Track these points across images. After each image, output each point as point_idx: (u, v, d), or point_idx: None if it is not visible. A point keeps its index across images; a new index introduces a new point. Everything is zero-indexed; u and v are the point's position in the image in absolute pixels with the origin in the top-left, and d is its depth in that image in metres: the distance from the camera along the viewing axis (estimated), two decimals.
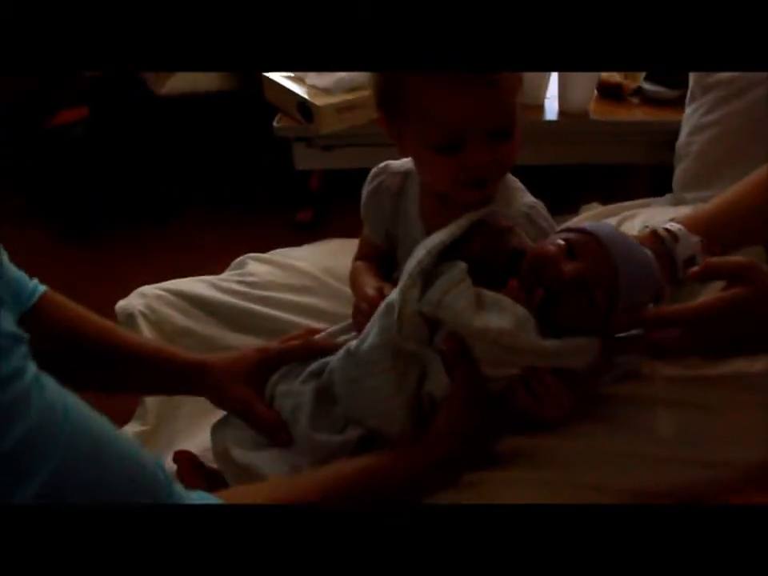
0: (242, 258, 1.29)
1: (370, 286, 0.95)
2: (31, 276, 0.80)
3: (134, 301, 1.12)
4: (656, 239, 0.90)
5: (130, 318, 1.09)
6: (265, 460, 0.81)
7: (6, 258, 0.72)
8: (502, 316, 0.73)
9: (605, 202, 1.34)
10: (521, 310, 0.74)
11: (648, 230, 0.92)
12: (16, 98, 2.93)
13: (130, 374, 0.87)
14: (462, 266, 0.76)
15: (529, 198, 0.92)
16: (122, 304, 1.13)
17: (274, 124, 1.81)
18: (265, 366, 0.89)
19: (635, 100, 1.75)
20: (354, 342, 0.83)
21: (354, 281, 1.05)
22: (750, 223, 0.96)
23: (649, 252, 0.80)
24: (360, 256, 1.08)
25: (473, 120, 0.80)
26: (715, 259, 0.79)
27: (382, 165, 1.01)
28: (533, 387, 0.75)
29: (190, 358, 0.89)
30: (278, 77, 1.81)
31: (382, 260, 1.05)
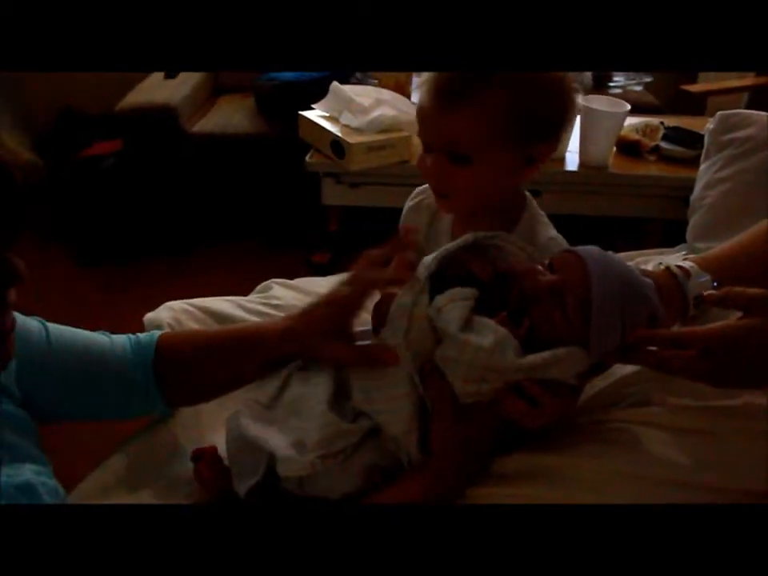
0: (266, 282, 1.32)
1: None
2: (60, 304, 0.86)
3: (162, 313, 1.14)
4: (669, 275, 0.94)
5: (157, 329, 1.09)
6: (270, 434, 0.82)
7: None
8: (482, 336, 0.77)
9: (618, 252, 1.39)
10: (502, 332, 0.77)
11: (662, 266, 0.97)
12: (56, 128, 3.06)
13: (251, 363, 0.88)
14: (473, 291, 0.81)
15: (552, 232, 0.95)
16: (150, 316, 1.15)
17: (307, 159, 1.89)
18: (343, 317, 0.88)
19: (652, 157, 1.83)
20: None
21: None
22: (758, 267, 1.01)
23: (648, 280, 0.82)
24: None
25: (431, 134, 0.86)
26: (736, 288, 0.80)
27: (425, 185, 1.04)
28: (515, 402, 0.77)
29: (283, 327, 0.88)
30: (313, 116, 1.91)
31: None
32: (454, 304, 0.79)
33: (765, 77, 2.53)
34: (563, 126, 0.88)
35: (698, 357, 0.77)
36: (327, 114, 1.91)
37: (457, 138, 0.84)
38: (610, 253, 0.83)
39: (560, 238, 0.95)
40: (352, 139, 1.76)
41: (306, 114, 1.93)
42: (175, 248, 2.82)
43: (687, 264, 0.96)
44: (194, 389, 0.93)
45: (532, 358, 0.77)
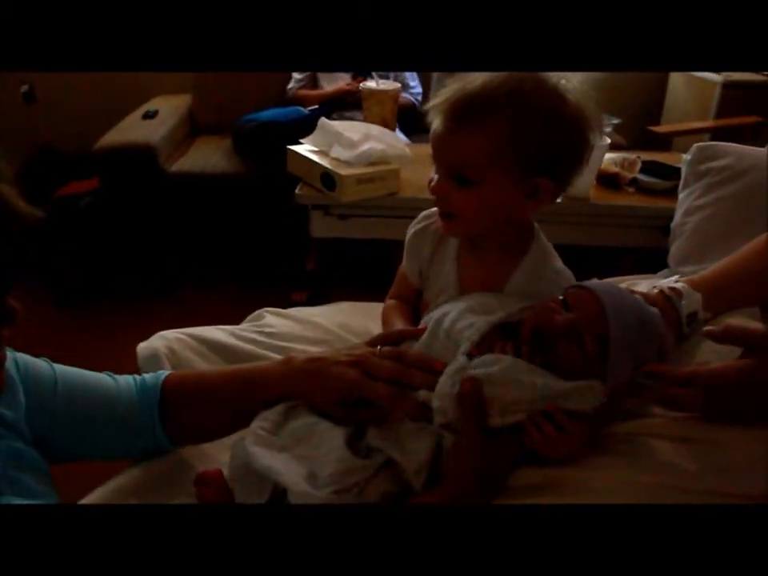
0: (258, 311, 1.33)
1: (394, 326, 1.02)
2: (36, 345, 0.88)
3: (156, 342, 1.14)
4: (663, 297, 1.00)
5: (152, 358, 1.10)
6: (283, 464, 0.81)
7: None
8: (491, 365, 0.81)
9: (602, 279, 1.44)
10: (507, 359, 0.81)
11: (656, 290, 1.02)
12: (29, 167, 3.04)
13: (254, 404, 0.90)
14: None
15: (559, 264, 0.98)
16: (143, 345, 1.14)
17: (296, 192, 1.93)
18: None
19: (631, 189, 1.92)
20: None
21: (383, 319, 1.10)
22: (743, 287, 1.06)
23: (655, 310, 0.87)
24: (394, 293, 1.14)
25: (440, 156, 0.89)
26: (737, 326, 0.87)
27: (432, 210, 1.05)
28: (542, 426, 0.80)
29: (286, 372, 0.91)
30: (302, 150, 1.96)
31: (414, 299, 1.10)
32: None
33: (724, 119, 2.69)
34: (572, 166, 0.90)
35: (702, 395, 0.83)
36: (316, 149, 1.95)
37: (463, 161, 0.87)
38: (620, 287, 0.88)
39: (567, 270, 0.97)
40: (343, 171, 1.80)
41: (295, 148, 1.98)
42: (154, 289, 2.82)
43: (679, 285, 1.02)
44: (199, 429, 0.95)
45: (554, 383, 0.80)
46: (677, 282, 1.05)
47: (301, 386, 0.89)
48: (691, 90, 3.04)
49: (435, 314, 0.92)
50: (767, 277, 1.06)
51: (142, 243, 2.83)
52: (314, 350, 1.16)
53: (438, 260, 1.03)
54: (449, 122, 0.86)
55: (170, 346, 1.13)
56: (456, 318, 0.89)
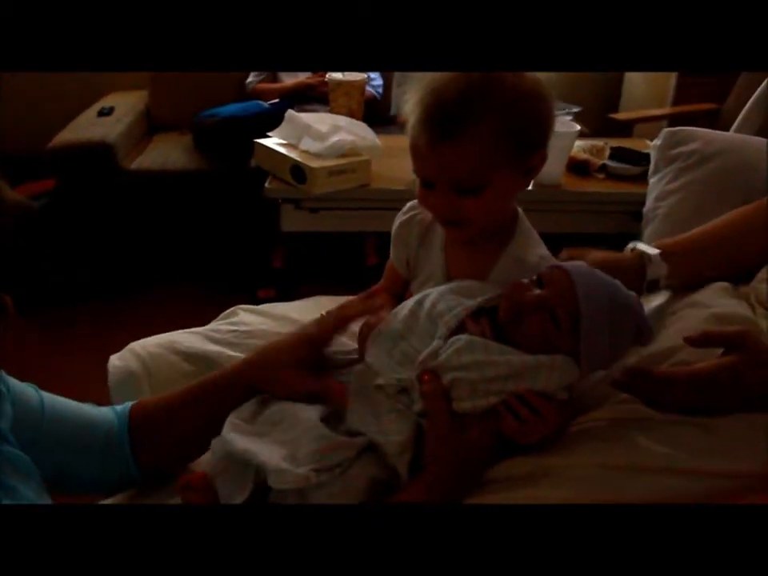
0: (231, 309, 1.29)
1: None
2: None
3: (129, 361, 1.11)
4: (637, 257, 1.04)
5: (125, 378, 1.09)
6: (261, 447, 0.81)
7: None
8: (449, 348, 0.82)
9: None
10: (465, 338, 0.82)
11: (632, 248, 1.07)
12: None
13: (220, 412, 0.89)
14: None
15: (542, 250, 0.98)
16: (116, 364, 1.11)
17: (266, 185, 1.90)
18: (309, 352, 0.91)
19: (600, 175, 1.94)
20: (360, 366, 0.88)
21: None
22: (715, 254, 1.11)
23: (632, 294, 0.87)
24: (382, 285, 1.13)
25: (435, 171, 0.86)
26: (714, 330, 0.89)
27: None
28: (516, 408, 0.80)
29: (243, 369, 0.92)
30: (271, 143, 1.93)
31: (401, 290, 1.10)
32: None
33: (680, 106, 2.75)
34: (551, 128, 0.90)
35: (686, 393, 0.85)
36: (285, 142, 1.93)
37: (463, 174, 0.85)
38: (595, 269, 0.87)
39: (551, 256, 0.97)
40: (313, 164, 1.78)
41: (263, 141, 1.94)
42: (117, 291, 2.75)
43: (653, 251, 1.04)
44: (171, 454, 0.93)
45: (515, 359, 0.80)
46: (653, 247, 1.08)
47: (259, 380, 0.90)
48: (647, 78, 3.09)
49: (417, 296, 0.92)
50: (737, 247, 1.11)
51: (102, 244, 2.76)
52: None
53: (425, 249, 1.03)
54: (435, 135, 0.83)
55: (144, 364, 1.10)
56: (437, 299, 0.88)
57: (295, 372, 0.88)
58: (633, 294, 0.88)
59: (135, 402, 0.94)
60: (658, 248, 1.07)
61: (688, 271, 1.08)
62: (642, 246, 1.06)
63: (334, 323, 0.92)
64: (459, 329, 0.84)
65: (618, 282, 0.87)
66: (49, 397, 0.86)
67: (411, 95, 0.87)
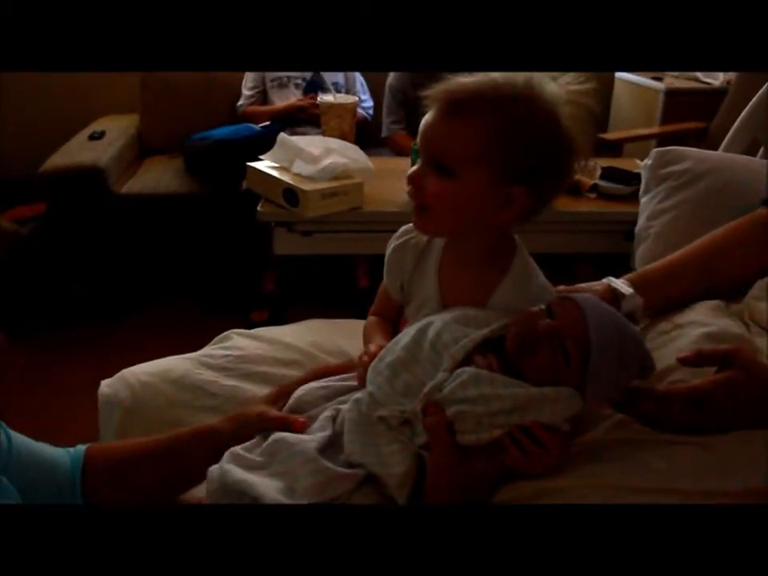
0: (225, 333, 1.28)
1: (374, 342, 1.00)
2: None
3: (120, 390, 1.10)
4: (609, 291, 1.03)
5: (113, 407, 1.08)
6: (258, 479, 0.82)
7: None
8: (453, 381, 0.82)
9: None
10: (471, 372, 0.81)
11: (606, 283, 1.05)
12: None
13: (181, 471, 0.92)
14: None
15: (541, 278, 0.98)
16: (106, 391, 1.11)
17: (258, 209, 1.90)
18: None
19: (592, 195, 1.95)
20: (360, 395, 0.87)
21: (364, 335, 1.09)
22: (695, 281, 1.11)
23: (637, 329, 0.89)
24: (375, 310, 1.12)
25: (424, 137, 0.89)
26: (708, 349, 0.89)
27: (411, 225, 1.04)
28: (520, 441, 0.80)
29: (210, 433, 0.94)
30: (263, 167, 1.93)
31: (395, 315, 1.09)
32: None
33: (670, 125, 2.77)
34: (550, 186, 0.90)
35: (683, 410, 0.85)
36: (277, 165, 1.93)
37: (445, 148, 0.87)
38: (602, 301, 0.88)
39: (550, 285, 0.97)
40: (306, 187, 1.79)
41: (255, 165, 1.95)
42: (108, 314, 2.74)
43: (624, 287, 1.05)
44: (124, 500, 0.92)
45: (520, 392, 0.80)
46: (624, 281, 1.07)
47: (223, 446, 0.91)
48: (635, 98, 3.13)
49: (419, 324, 0.91)
50: (718, 267, 1.11)
51: (94, 268, 2.75)
52: (287, 371, 1.15)
53: (419, 274, 1.03)
54: (441, 111, 0.87)
55: (134, 394, 1.09)
56: (441, 328, 0.88)
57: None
58: (637, 328, 0.88)
59: (90, 445, 0.93)
60: (640, 275, 1.10)
61: (670, 296, 1.09)
62: (616, 284, 1.06)
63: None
64: (465, 360, 0.84)
65: (623, 317, 0.88)
66: (15, 436, 0.85)
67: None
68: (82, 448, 0.91)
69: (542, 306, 0.86)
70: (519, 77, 0.86)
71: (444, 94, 0.87)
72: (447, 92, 0.87)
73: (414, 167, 0.91)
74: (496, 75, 0.86)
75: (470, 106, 0.85)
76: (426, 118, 0.89)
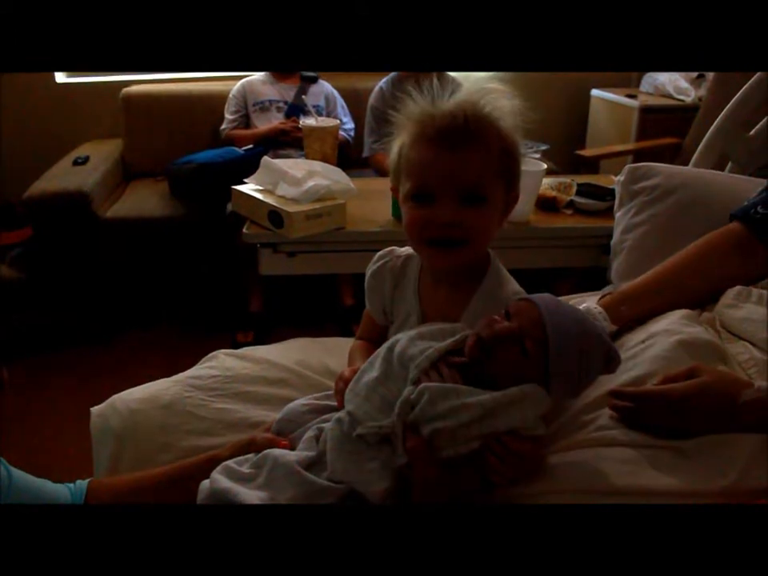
0: (212, 353, 1.30)
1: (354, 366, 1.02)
2: None
3: (110, 417, 1.12)
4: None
5: (105, 436, 1.10)
6: (243, 489, 0.84)
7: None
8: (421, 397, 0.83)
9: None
10: (434, 387, 0.83)
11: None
12: None
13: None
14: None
15: (515, 287, 0.99)
16: (96, 421, 1.12)
17: (244, 231, 1.93)
18: None
19: (568, 211, 2.00)
20: (341, 415, 0.90)
21: (349, 358, 1.11)
22: (672, 295, 1.17)
23: (600, 323, 0.92)
24: (361, 334, 1.15)
25: (442, 176, 0.88)
26: (672, 371, 0.94)
27: (388, 249, 1.08)
28: (499, 454, 0.81)
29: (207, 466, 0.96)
30: (247, 189, 1.97)
31: (379, 337, 1.09)
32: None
33: (645, 141, 2.84)
34: (518, 182, 0.96)
35: (661, 409, 0.91)
36: (261, 187, 1.97)
37: (472, 180, 0.89)
38: (560, 300, 0.90)
39: (523, 292, 0.99)
40: (290, 209, 1.82)
41: (240, 188, 1.98)
42: (95, 337, 2.75)
43: (597, 310, 1.11)
44: None
45: (485, 397, 0.81)
46: (597, 306, 1.14)
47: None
48: (611, 115, 3.19)
49: (387, 343, 0.93)
50: (690, 282, 1.18)
51: (79, 292, 2.76)
52: (274, 390, 1.17)
53: (400, 295, 1.05)
54: (441, 146, 0.88)
55: (125, 423, 1.11)
56: (407, 344, 0.90)
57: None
58: (601, 323, 0.91)
59: (92, 479, 0.95)
60: (621, 292, 1.17)
61: (653, 309, 1.14)
62: (587, 308, 1.11)
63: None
64: (434, 371, 0.86)
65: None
66: (15, 472, 0.86)
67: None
68: (83, 483, 0.93)
69: (501, 311, 0.88)
70: (471, 96, 0.91)
71: (433, 130, 0.88)
72: (435, 127, 0.88)
73: (438, 209, 0.89)
74: (456, 99, 0.90)
75: (470, 133, 0.88)
76: (426, 155, 0.89)
